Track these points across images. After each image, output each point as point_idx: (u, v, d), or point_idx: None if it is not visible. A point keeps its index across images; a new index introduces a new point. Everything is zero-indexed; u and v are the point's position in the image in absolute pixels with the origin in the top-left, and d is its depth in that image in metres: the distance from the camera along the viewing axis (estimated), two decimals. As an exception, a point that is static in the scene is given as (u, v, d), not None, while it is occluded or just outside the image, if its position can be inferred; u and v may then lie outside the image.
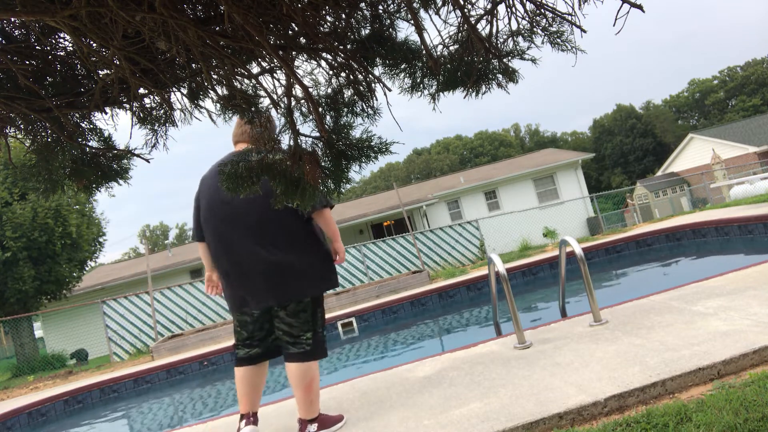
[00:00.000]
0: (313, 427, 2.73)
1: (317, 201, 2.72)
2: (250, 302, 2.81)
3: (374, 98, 2.38)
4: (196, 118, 2.45)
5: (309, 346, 2.77)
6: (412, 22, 2.09)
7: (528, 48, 2.74)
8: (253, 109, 2.27)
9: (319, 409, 2.82)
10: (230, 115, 2.48)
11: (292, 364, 2.75)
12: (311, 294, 2.81)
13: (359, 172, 2.84)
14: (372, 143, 2.58)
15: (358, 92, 2.28)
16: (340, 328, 8.16)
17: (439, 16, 2.23)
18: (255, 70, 2.27)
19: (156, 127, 2.47)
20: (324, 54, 2.20)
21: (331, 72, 2.41)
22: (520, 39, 2.42)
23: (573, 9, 2.11)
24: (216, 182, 2.82)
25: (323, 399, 3.37)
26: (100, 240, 17.03)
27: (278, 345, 2.91)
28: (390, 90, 2.24)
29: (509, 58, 2.48)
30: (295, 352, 2.77)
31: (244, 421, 2.78)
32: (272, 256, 2.74)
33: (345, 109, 2.45)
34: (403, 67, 2.41)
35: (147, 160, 2.49)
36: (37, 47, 2.03)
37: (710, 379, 2.38)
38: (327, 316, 8.76)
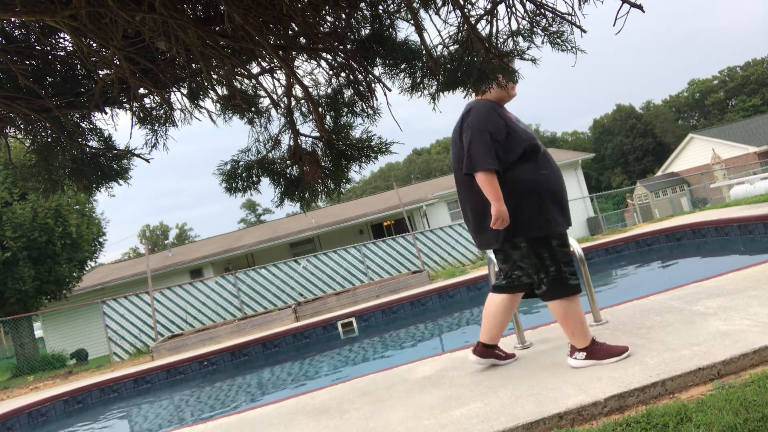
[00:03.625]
0: (581, 355, 2.80)
1: (464, 166, 2.82)
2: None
3: (374, 98, 2.38)
4: (196, 118, 2.45)
5: (546, 286, 2.84)
6: (412, 22, 2.09)
7: (528, 48, 2.74)
8: (253, 109, 2.27)
9: (591, 339, 2.81)
10: (230, 115, 2.48)
11: (548, 302, 2.90)
12: (498, 244, 2.91)
13: (359, 172, 2.85)
14: (372, 143, 2.58)
15: (358, 92, 2.28)
16: (340, 328, 8.15)
17: (439, 16, 2.23)
18: (255, 70, 2.27)
19: (156, 127, 2.47)
20: (324, 54, 2.20)
21: (331, 72, 2.41)
22: (520, 39, 2.42)
23: (573, 9, 2.11)
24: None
25: (323, 399, 3.37)
26: (100, 240, 17.03)
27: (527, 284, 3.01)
28: (390, 90, 2.24)
29: (509, 58, 2.48)
30: (539, 292, 2.90)
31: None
32: (464, 207, 3.04)
33: (345, 109, 2.45)
34: (403, 67, 2.41)
35: (147, 160, 2.50)
36: (37, 47, 2.03)
37: (710, 379, 2.38)
38: (327, 316, 8.76)
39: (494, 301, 3.04)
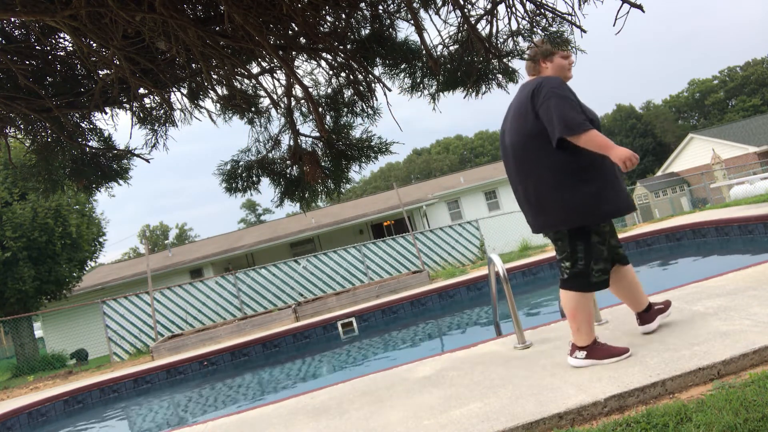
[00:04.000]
0: (581, 354, 2.78)
1: (556, 131, 2.65)
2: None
3: (374, 98, 2.38)
4: (196, 118, 2.45)
5: (566, 275, 2.81)
6: (412, 22, 2.09)
7: (528, 48, 2.75)
8: (253, 109, 2.27)
9: (593, 339, 2.79)
10: (230, 115, 2.48)
11: (560, 290, 2.86)
12: (548, 228, 2.82)
13: (359, 172, 2.85)
14: (372, 143, 2.58)
15: (358, 92, 2.29)
16: (340, 328, 8.15)
17: (439, 16, 2.23)
18: (255, 70, 2.27)
19: (156, 127, 2.47)
20: (324, 54, 2.20)
21: (331, 72, 2.42)
22: (520, 39, 2.42)
23: (573, 9, 2.11)
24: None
25: (323, 399, 3.37)
26: (100, 240, 17.03)
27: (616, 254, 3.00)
28: (390, 90, 2.24)
29: (509, 58, 2.48)
30: (560, 278, 2.85)
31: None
32: (525, 186, 2.85)
33: (345, 109, 2.45)
34: (403, 67, 2.41)
35: (147, 160, 2.50)
36: (37, 47, 2.03)
37: (710, 379, 2.38)
38: (327, 316, 8.76)
39: (572, 298, 3.01)
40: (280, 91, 2.42)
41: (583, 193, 2.69)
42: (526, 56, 2.78)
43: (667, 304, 3.19)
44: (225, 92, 2.32)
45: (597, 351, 2.77)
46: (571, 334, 2.86)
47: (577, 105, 2.72)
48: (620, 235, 9.35)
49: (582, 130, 2.62)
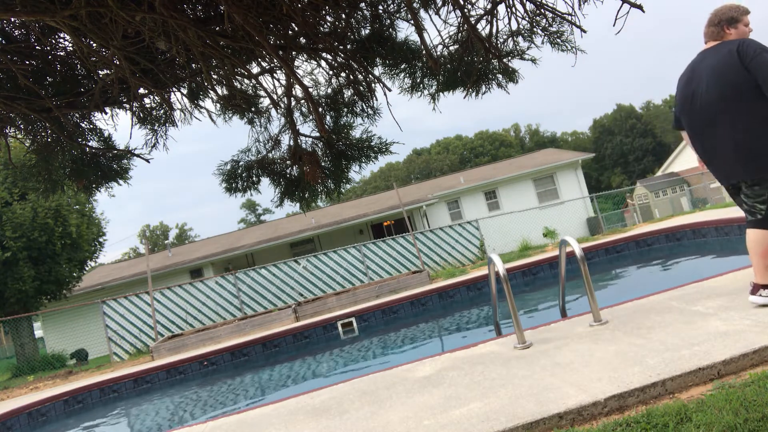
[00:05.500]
0: (766, 291, 2.92)
1: None
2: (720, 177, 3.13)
3: (374, 98, 2.38)
4: (196, 118, 2.46)
5: (761, 215, 2.92)
6: (412, 22, 2.10)
7: (528, 48, 2.75)
8: (253, 109, 2.27)
9: None
10: (230, 115, 2.48)
11: (749, 231, 2.97)
12: (761, 172, 2.90)
13: (359, 172, 2.85)
14: (372, 143, 2.58)
15: (358, 92, 2.29)
16: (340, 328, 8.15)
17: (439, 16, 2.23)
18: (255, 70, 2.27)
19: (156, 127, 2.47)
20: (324, 54, 2.21)
21: (331, 72, 2.42)
22: (520, 39, 2.42)
23: (573, 9, 2.11)
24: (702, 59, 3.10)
25: (323, 399, 3.37)
26: (100, 240, 17.04)
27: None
28: (390, 90, 2.24)
29: (509, 58, 2.49)
30: (750, 219, 2.97)
31: None
32: (732, 137, 2.94)
33: (345, 109, 2.45)
34: (403, 67, 2.41)
35: (147, 160, 2.50)
36: (37, 47, 2.03)
37: (710, 379, 2.38)
38: (327, 316, 8.76)
39: (765, 237, 3.04)
40: (280, 91, 2.43)
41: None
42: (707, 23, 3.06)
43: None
44: (225, 92, 2.32)
45: None
46: (754, 273, 2.99)
47: None
48: (620, 235, 9.35)
49: None
